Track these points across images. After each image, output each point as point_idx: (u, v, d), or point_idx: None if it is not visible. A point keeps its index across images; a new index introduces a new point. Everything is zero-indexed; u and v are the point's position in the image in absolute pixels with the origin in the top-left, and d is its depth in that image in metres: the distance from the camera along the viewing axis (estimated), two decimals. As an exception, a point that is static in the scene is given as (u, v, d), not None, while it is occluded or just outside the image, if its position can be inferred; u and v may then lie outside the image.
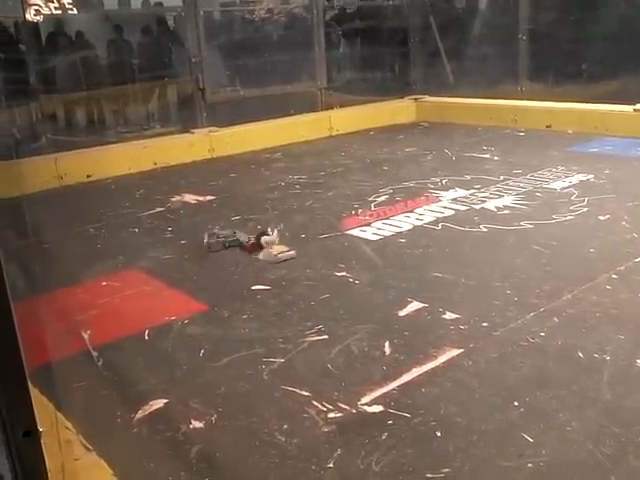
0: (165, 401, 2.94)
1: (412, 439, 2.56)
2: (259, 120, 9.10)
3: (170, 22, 9.92)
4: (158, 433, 2.73)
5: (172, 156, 8.11)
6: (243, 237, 4.86)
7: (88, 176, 7.42)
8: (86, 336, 3.54)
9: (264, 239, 4.69)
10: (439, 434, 2.58)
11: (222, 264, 4.65)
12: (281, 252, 4.63)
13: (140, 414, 2.85)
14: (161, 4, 10.40)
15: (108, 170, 7.55)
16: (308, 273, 4.35)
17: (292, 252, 4.64)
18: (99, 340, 3.52)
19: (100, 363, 3.30)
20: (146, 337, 3.58)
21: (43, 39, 8.65)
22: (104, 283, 4.40)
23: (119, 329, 3.73)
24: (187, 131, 8.77)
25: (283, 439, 2.62)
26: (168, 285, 4.32)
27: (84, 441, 2.51)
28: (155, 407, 2.90)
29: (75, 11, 8.60)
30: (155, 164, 7.95)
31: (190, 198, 6.49)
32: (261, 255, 4.65)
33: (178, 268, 4.65)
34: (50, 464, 1.54)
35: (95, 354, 3.36)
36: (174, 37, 9.61)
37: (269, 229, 4.76)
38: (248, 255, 4.71)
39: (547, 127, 8.75)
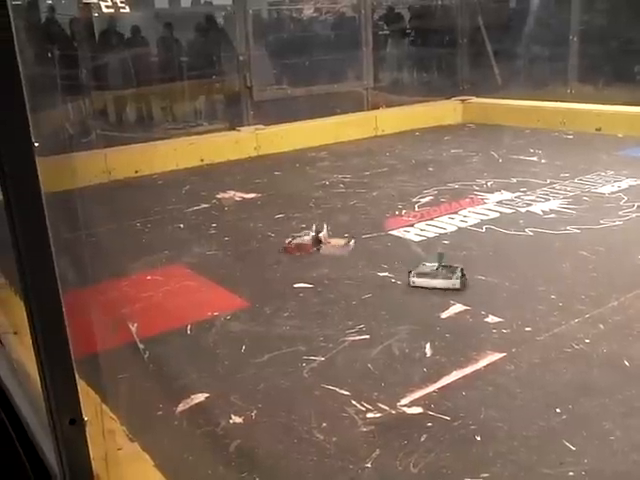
0: (206, 395, 2.98)
1: (451, 442, 2.55)
2: (305, 119, 9.13)
3: (219, 21, 10.00)
4: (198, 427, 2.77)
5: (218, 153, 8.18)
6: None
7: (136, 171, 7.54)
8: (131, 329, 3.60)
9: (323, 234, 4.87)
10: (479, 438, 2.56)
11: (265, 261, 4.68)
12: (346, 244, 4.82)
13: (181, 407, 2.89)
14: (211, 3, 10.52)
15: (155, 166, 7.66)
16: (350, 272, 4.35)
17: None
18: (142, 333, 3.58)
19: (146, 356, 3.35)
20: (188, 331, 3.63)
21: (96, 37, 8.82)
22: (149, 277, 4.47)
23: (162, 323, 3.79)
24: (234, 129, 8.84)
25: (322, 437, 2.62)
26: (211, 281, 4.37)
27: (127, 432, 2.56)
28: (196, 401, 2.94)
29: (127, 9, 8.74)
30: (202, 161, 8.04)
31: (235, 195, 6.55)
32: (324, 250, 4.77)
33: (221, 264, 4.70)
34: (94, 452, 1.57)
35: (142, 347, 3.42)
36: (223, 35, 9.68)
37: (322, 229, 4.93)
38: (291, 254, 4.74)
39: (597, 130, 8.58)
